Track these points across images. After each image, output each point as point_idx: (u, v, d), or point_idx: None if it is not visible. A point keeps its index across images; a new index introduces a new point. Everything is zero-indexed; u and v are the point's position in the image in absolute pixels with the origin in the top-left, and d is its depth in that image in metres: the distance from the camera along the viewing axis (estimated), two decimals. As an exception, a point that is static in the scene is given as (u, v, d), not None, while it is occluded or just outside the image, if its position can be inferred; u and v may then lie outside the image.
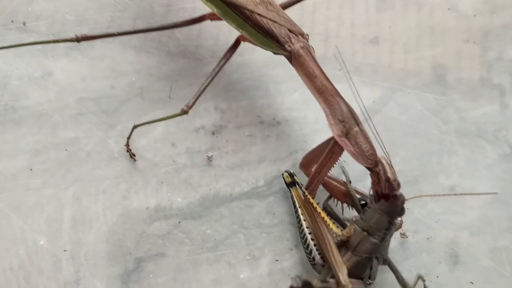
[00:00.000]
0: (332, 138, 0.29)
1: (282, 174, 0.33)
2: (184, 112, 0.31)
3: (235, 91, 0.36)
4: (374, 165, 0.29)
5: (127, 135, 0.34)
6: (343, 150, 0.30)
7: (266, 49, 0.32)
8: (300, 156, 0.33)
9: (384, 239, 0.29)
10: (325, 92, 0.30)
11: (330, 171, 0.31)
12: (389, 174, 0.28)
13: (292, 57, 0.31)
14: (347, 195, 0.31)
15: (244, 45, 0.34)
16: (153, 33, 0.36)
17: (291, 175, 0.33)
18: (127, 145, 0.34)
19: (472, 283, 0.33)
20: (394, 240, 0.34)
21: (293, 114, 0.36)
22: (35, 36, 0.36)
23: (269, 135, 0.35)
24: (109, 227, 0.34)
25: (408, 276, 0.33)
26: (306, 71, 0.30)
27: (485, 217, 0.35)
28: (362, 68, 0.37)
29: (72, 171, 0.34)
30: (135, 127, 0.33)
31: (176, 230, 0.34)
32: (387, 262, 0.31)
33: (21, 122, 0.35)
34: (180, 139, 0.35)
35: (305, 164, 0.32)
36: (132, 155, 0.34)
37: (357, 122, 0.29)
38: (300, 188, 0.32)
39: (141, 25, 0.37)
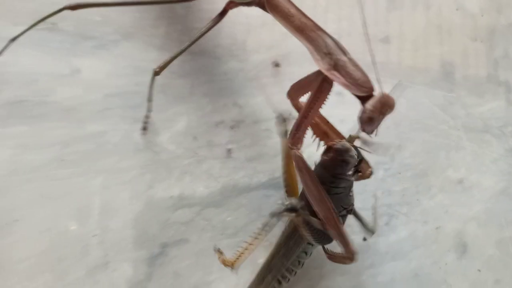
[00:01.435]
0: (320, 75, 0.28)
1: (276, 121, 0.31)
2: (156, 73, 0.32)
3: (252, 88, 0.38)
4: (369, 92, 0.27)
5: (153, 129, 0.36)
6: (331, 86, 0.28)
7: (242, 1, 0.32)
8: (314, 149, 0.35)
9: (331, 192, 0.29)
10: (305, 29, 0.29)
11: (318, 112, 0.29)
12: (371, 107, 0.26)
13: (266, 3, 0.30)
14: (326, 135, 0.31)
15: (260, 43, 0.36)
16: (174, 33, 0.38)
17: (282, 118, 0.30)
18: (147, 117, 0.36)
19: (479, 271, 0.35)
20: (404, 230, 0.36)
21: (307, 109, 0.37)
22: (64, 36, 0.38)
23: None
24: (135, 214, 0.36)
25: (418, 264, 0.35)
26: (282, 13, 0.30)
27: (491, 210, 0.36)
28: (373, 66, 0.38)
29: (100, 162, 0.36)
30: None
31: (198, 218, 0.36)
32: (348, 211, 0.31)
33: (51, 116, 0.37)
34: (201, 132, 0.37)
35: (293, 93, 0.30)
36: (145, 127, 0.36)
37: (345, 52, 0.28)
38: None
39: (162, 25, 0.39)
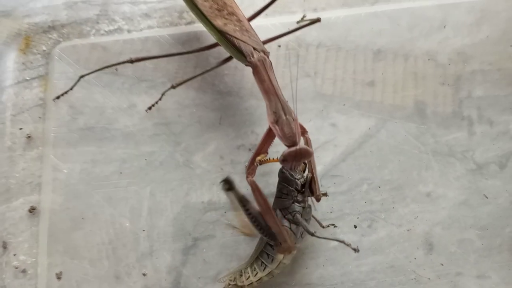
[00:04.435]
0: (269, 126, 0.38)
1: (222, 183, 0.35)
2: (173, 87, 0.44)
3: (266, 120, 0.47)
4: (292, 144, 0.36)
5: (190, 150, 0.47)
6: (274, 133, 0.38)
7: (240, 61, 0.43)
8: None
9: (276, 194, 0.40)
10: (268, 92, 0.39)
11: (267, 150, 0.39)
12: (286, 153, 0.35)
13: (252, 67, 0.41)
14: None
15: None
16: (208, 78, 0.49)
17: (229, 182, 0.35)
18: (155, 104, 0.46)
19: (442, 264, 0.44)
20: (383, 231, 0.44)
21: (312, 137, 0.45)
22: (124, 78, 0.50)
23: (291, 152, 0.47)
24: (175, 215, 0.45)
25: (393, 258, 0.44)
26: (259, 77, 0.40)
27: (454, 216, 0.44)
28: (361, 104, 0.48)
29: (149, 175, 0.46)
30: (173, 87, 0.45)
31: (223, 218, 0.45)
32: (292, 215, 0.39)
33: (113, 139, 0.47)
34: (226, 153, 0.46)
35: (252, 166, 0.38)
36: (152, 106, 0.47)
37: (285, 113, 0.37)
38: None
39: (199, 71, 0.50)
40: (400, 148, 0.46)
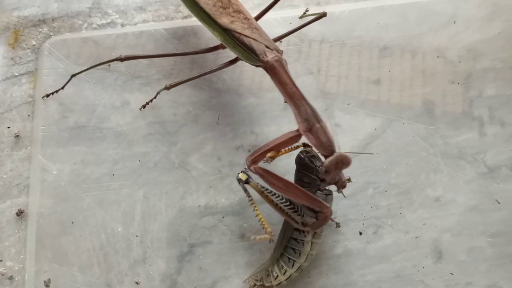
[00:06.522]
0: (296, 130, 0.36)
1: (238, 177, 0.37)
2: (167, 88, 0.42)
3: (266, 119, 0.46)
4: (330, 153, 0.34)
5: (185, 151, 0.45)
6: (299, 139, 0.36)
7: (250, 63, 0.40)
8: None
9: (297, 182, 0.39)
10: (293, 96, 0.36)
11: (279, 151, 0.37)
12: (327, 163, 0.34)
13: (268, 68, 0.38)
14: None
15: (273, 83, 0.44)
16: (206, 75, 0.47)
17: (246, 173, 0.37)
18: (149, 102, 0.44)
19: (452, 274, 0.41)
20: (389, 238, 0.42)
21: (311, 137, 0.45)
22: (117, 75, 0.48)
23: (292, 153, 0.45)
24: (170, 219, 0.44)
25: (400, 266, 0.42)
26: (279, 79, 0.37)
27: (464, 223, 0.42)
28: (366, 103, 0.46)
29: (143, 177, 0.44)
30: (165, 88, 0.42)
31: (220, 224, 0.43)
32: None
33: (105, 139, 0.46)
34: (224, 154, 0.45)
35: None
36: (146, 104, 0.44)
37: (318, 120, 0.35)
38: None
39: (196, 69, 0.48)
40: (407, 150, 0.44)
